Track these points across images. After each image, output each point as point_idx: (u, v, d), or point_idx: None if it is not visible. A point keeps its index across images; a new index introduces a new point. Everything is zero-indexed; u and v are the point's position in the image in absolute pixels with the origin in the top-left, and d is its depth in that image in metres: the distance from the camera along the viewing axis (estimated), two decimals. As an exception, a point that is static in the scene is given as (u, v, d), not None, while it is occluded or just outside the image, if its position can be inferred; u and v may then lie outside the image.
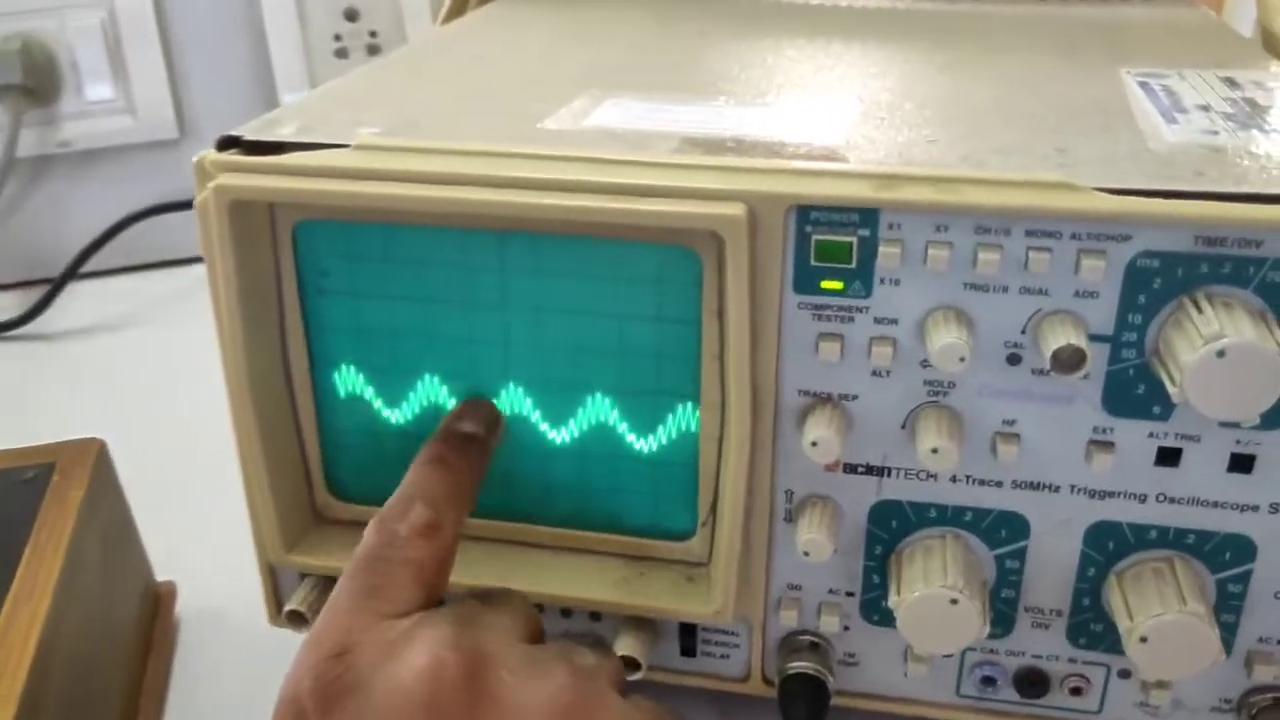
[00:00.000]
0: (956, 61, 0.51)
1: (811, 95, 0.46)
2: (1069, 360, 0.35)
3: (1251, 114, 0.42)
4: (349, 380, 0.44)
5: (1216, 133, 0.40)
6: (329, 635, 0.34)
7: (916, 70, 0.50)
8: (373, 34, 0.90)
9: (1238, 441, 0.37)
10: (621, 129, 0.42)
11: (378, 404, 0.44)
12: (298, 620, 0.45)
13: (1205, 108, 0.43)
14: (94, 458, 0.49)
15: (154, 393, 0.73)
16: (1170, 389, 0.34)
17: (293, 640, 0.45)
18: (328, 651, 0.33)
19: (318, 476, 0.45)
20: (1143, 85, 0.46)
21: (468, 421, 0.42)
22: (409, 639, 0.33)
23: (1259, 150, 0.38)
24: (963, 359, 0.35)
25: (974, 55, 0.53)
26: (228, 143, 0.40)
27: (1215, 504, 0.38)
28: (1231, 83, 0.46)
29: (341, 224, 0.41)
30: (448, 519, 0.38)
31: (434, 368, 0.43)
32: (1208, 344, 0.33)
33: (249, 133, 0.41)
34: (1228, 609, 0.39)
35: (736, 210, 0.36)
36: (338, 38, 0.89)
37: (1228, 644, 0.39)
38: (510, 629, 0.36)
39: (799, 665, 0.42)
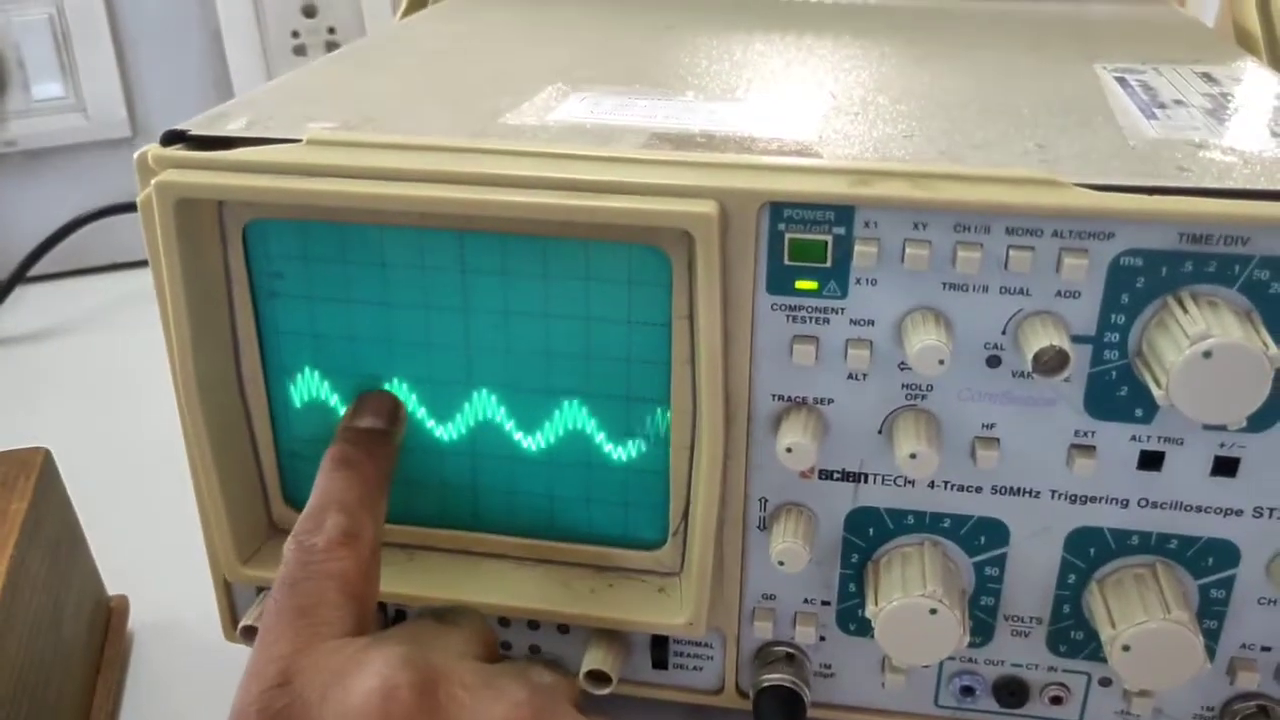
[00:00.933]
0: (930, 56, 0.50)
1: (783, 89, 0.45)
2: (1051, 362, 0.34)
3: (1231, 110, 0.41)
4: (306, 387, 0.42)
5: (1197, 128, 0.39)
6: (269, 664, 0.32)
7: (890, 65, 0.49)
8: (331, 30, 0.88)
9: (1221, 444, 0.36)
10: (587, 124, 0.40)
11: (337, 410, 0.42)
12: (254, 636, 0.43)
13: (1184, 103, 0.42)
14: (39, 468, 0.47)
15: (105, 400, 0.71)
16: (1155, 391, 0.33)
17: (241, 658, 0.44)
18: (271, 681, 0.32)
19: (274, 488, 0.44)
20: (1119, 81, 0.45)
21: (367, 416, 0.40)
22: (358, 663, 0.32)
23: (1242, 146, 0.37)
24: (942, 361, 0.34)
25: (947, 50, 0.52)
26: (173, 138, 0.38)
27: (1198, 508, 0.37)
28: (1208, 78, 0.46)
29: (294, 223, 0.39)
30: (364, 524, 0.36)
31: (396, 373, 0.41)
32: (1193, 344, 0.32)
33: (196, 127, 0.39)
34: (1210, 615, 0.38)
35: (707, 208, 0.34)
36: (295, 34, 0.87)
37: (1210, 651, 0.38)
38: (464, 647, 0.35)
39: (774, 677, 0.41)
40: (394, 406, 0.41)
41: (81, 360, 0.76)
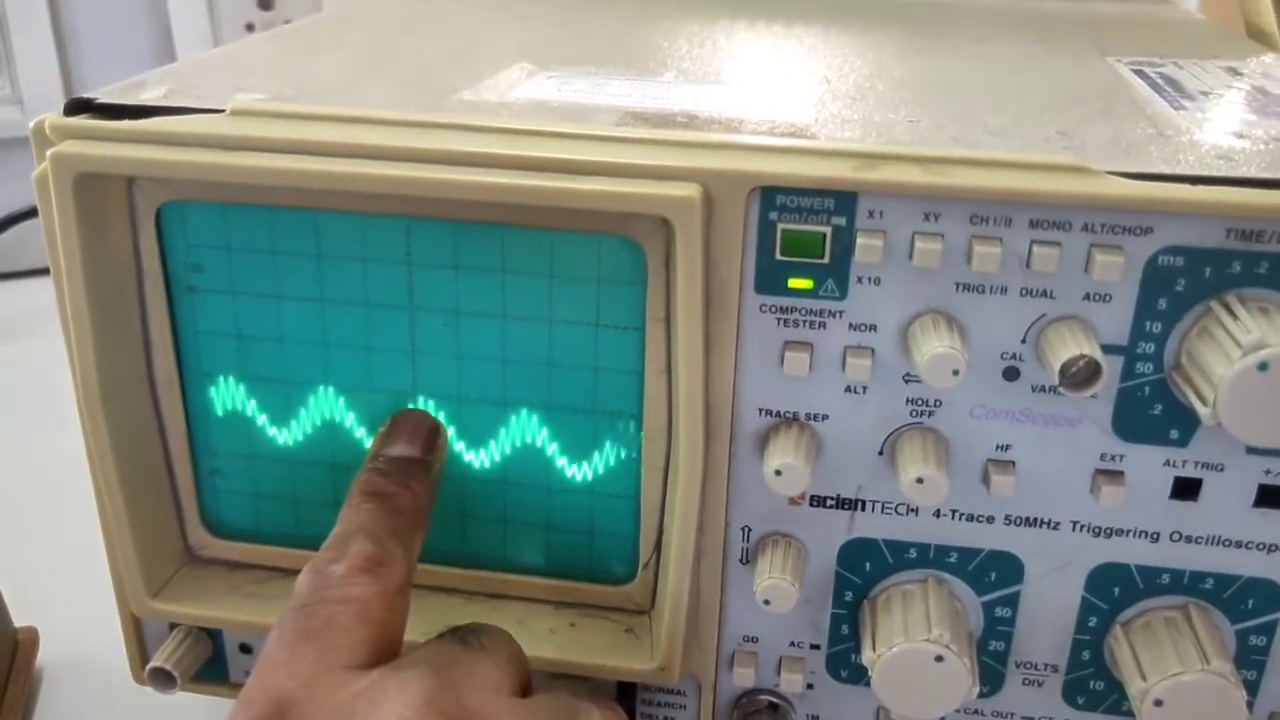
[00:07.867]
0: (929, 48, 0.46)
1: (771, 73, 0.41)
2: (1081, 374, 0.29)
3: (1265, 100, 0.37)
4: (227, 394, 0.37)
5: (1232, 119, 0.35)
6: (261, 693, 0.27)
7: (888, 54, 0.45)
8: (288, 23, 0.83)
9: (1267, 471, 0.32)
10: (554, 101, 0.36)
11: (262, 422, 0.37)
12: (163, 679, 0.38)
13: (1212, 95, 0.38)
14: (-71, 484, 0.42)
15: (21, 414, 0.67)
16: (1200, 409, 0.29)
17: (169, 696, 0.39)
18: (260, 711, 0.27)
19: (190, 510, 0.39)
20: (1138, 73, 0.42)
21: (401, 443, 0.35)
22: (371, 701, 0.26)
23: (1286, 137, 0.33)
24: (956, 372, 0.30)
25: (948, 42, 0.48)
26: (79, 106, 0.34)
27: (1238, 544, 0.33)
28: (1233, 72, 0.42)
29: (216, 206, 0.34)
30: (394, 554, 0.31)
31: (329, 379, 0.36)
32: (1247, 355, 0.28)
33: (105, 95, 0.34)
34: (1248, 665, 0.34)
35: (689, 191, 0.30)
36: (250, 28, 0.82)
37: (1248, 706, 0.34)
38: (498, 679, 0.29)
39: (756, 730, 0.36)
40: (432, 430, 0.35)
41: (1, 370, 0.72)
